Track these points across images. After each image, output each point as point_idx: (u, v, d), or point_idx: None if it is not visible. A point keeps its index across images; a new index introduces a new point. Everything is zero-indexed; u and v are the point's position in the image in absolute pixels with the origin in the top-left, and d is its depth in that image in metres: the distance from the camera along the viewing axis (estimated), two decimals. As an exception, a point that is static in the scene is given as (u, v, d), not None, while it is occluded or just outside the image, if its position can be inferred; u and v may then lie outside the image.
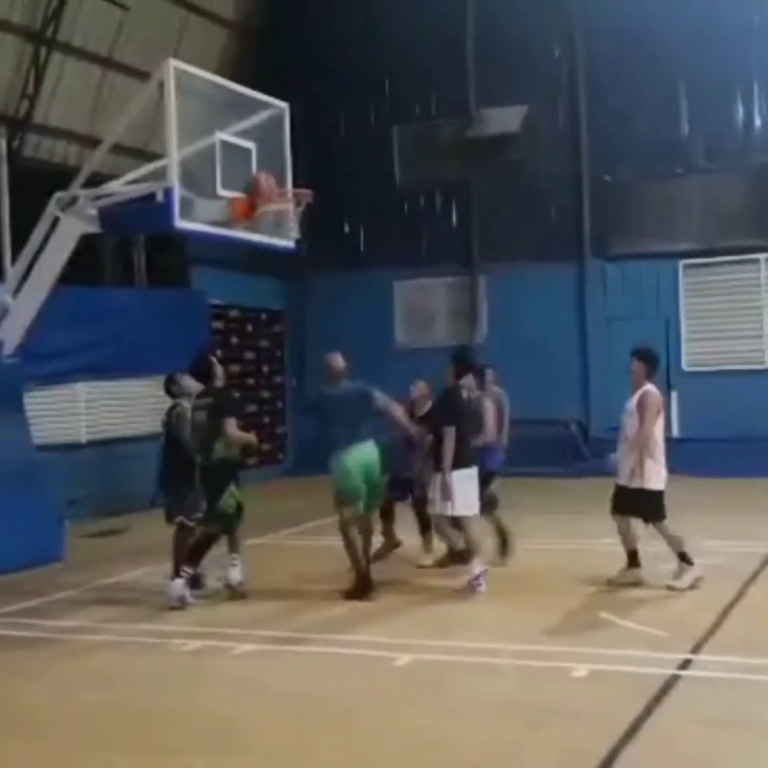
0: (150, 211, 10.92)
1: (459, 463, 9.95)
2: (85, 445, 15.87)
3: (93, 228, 11.46)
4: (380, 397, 10.17)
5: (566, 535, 12.71)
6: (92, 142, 15.93)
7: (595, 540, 11.49)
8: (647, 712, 6.66)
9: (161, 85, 10.54)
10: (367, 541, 10.32)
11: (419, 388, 11.89)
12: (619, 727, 6.36)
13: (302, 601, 10.07)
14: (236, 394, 11.41)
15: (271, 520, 13.86)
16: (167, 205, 10.42)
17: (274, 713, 6.97)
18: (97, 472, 15.38)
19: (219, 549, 10.27)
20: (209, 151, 10.75)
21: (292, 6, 20.73)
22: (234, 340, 19.89)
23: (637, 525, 10.02)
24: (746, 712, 6.71)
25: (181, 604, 9.76)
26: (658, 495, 9.85)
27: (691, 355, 19.01)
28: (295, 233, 11.90)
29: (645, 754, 6.13)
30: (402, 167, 20.44)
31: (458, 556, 10.37)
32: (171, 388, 10.47)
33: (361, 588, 9.96)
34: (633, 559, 10.05)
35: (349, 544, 10.08)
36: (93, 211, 11.34)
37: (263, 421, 20.33)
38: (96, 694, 7.46)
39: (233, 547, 10.22)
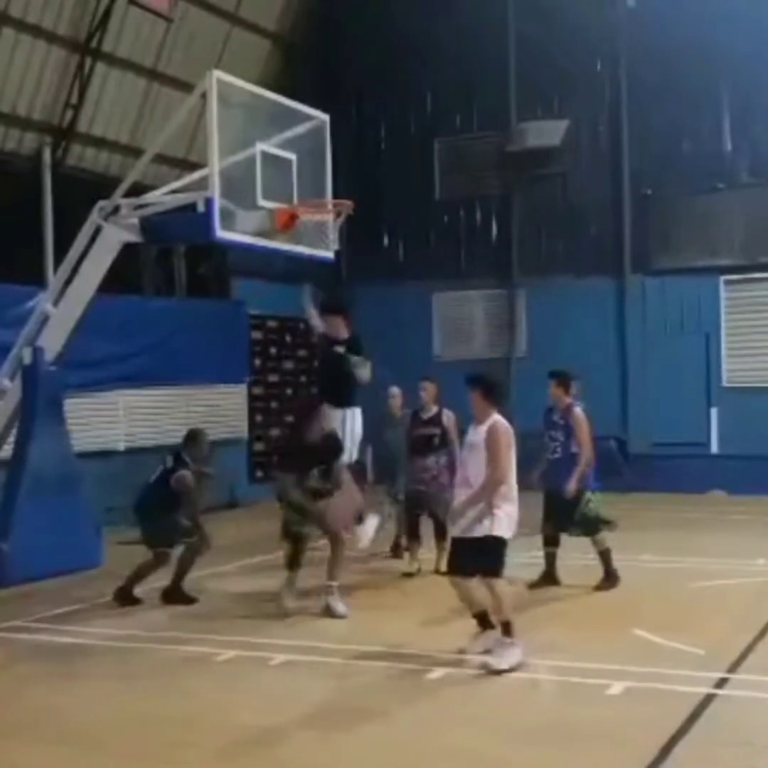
0: (191, 221, 11.00)
1: None
2: (123, 453, 15.94)
3: (134, 237, 11.55)
4: None
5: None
6: (135, 152, 16.08)
7: (634, 556, 11.42)
8: (682, 731, 6.59)
9: (204, 96, 10.62)
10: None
11: (426, 390, 11.59)
12: (654, 746, 6.29)
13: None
14: None
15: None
16: (208, 216, 10.48)
17: (311, 724, 6.96)
18: (134, 480, 15.42)
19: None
20: (250, 161, 10.80)
21: (334, 19, 20.81)
22: (273, 350, 19.93)
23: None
24: (783, 733, 6.62)
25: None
26: (502, 545, 8.15)
27: (732, 371, 18.82)
28: (334, 244, 11.93)
29: (680, 774, 6.07)
30: (442, 180, 20.52)
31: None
32: None
33: None
34: (484, 621, 8.45)
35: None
36: (134, 221, 11.43)
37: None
38: (139, 703, 7.47)
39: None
